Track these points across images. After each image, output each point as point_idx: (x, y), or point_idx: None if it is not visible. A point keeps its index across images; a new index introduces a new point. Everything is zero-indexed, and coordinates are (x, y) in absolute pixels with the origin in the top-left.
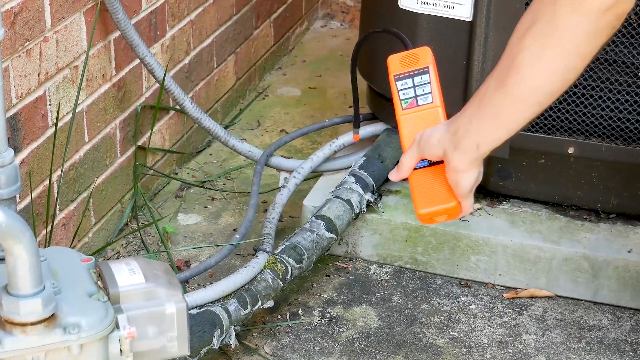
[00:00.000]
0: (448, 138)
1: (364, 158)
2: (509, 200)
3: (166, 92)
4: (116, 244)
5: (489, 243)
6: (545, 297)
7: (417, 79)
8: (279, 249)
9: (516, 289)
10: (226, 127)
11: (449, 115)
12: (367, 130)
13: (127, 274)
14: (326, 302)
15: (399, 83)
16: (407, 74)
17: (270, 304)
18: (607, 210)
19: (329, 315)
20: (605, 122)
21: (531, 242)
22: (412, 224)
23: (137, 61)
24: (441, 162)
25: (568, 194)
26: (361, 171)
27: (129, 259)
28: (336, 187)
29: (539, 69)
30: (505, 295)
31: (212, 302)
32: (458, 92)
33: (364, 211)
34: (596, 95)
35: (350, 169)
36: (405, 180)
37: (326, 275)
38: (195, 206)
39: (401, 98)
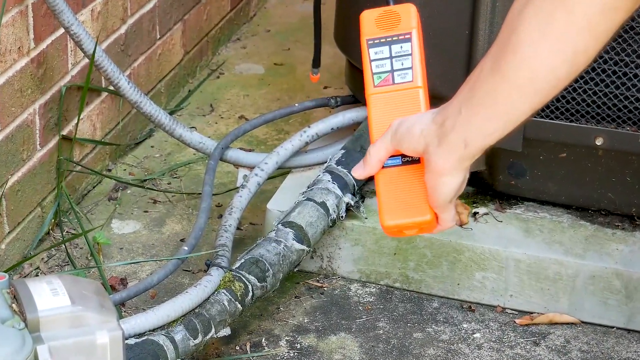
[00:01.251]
0: (433, 130)
1: (343, 151)
2: (522, 204)
3: (97, 69)
4: (35, 257)
5: (498, 256)
6: (567, 323)
7: (395, 48)
8: (237, 264)
9: (531, 313)
10: (171, 113)
11: (442, 102)
12: (346, 116)
13: (49, 295)
14: (296, 330)
15: (372, 51)
16: (383, 40)
17: (226, 332)
18: None
19: (299, 346)
20: None
21: (550, 255)
22: None
23: (62, 31)
24: (418, 161)
25: (596, 195)
26: (339, 167)
27: (51, 276)
28: (308, 187)
29: (542, 48)
30: (518, 321)
31: (154, 330)
32: (459, 69)
33: (342, 217)
34: (630, 73)
35: (325, 165)
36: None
37: (296, 297)
38: (134, 211)
39: (374, 71)
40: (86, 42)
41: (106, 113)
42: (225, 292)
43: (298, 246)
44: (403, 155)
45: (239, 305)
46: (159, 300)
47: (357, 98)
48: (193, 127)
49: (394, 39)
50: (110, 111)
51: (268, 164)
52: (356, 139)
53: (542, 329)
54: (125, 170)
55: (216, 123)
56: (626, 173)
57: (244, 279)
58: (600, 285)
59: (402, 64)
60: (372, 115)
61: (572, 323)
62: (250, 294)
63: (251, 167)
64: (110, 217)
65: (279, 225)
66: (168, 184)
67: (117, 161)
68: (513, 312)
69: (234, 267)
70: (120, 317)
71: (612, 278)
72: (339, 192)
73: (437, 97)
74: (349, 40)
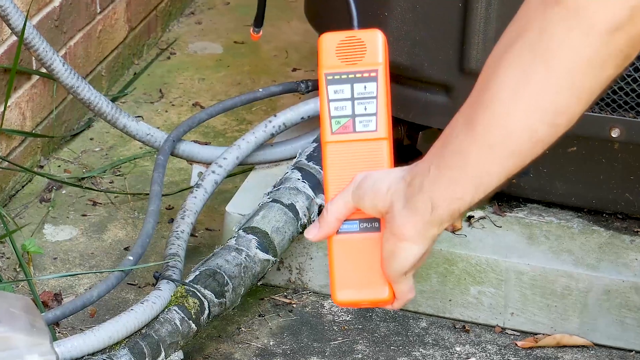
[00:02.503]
0: (401, 188)
1: (315, 145)
2: (525, 206)
3: (27, 48)
4: None
5: (497, 268)
6: (577, 346)
7: (358, 88)
8: (192, 277)
9: (536, 334)
10: (114, 100)
11: (430, 87)
12: (318, 104)
13: None
14: (260, 354)
15: (331, 88)
16: (345, 76)
17: (178, 356)
18: None
19: None
20: None
21: (558, 266)
22: None
23: None
24: (377, 229)
25: (611, 196)
26: (311, 163)
27: None
28: (274, 187)
29: (518, 105)
30: (520, 343)
31: (94, 354)
32: (452, 49)
33: (314, 221)
34: None
35: (295, 160)
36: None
37: (260, 315)
38: (70, 214)
39: (332, 114)
40: (14, 16)
41: (38, 100)
42: (177, 309)
43: (262, 256)
44: (361, 221)
45: (193, 325)
46: (100, 319)
47: None
48: (139, 117)
49: (357, 76)
50: (42, 98)
51: (227, 160)
52: None
53: (548, 353)
54: (59, 166)
55: (166, 111)
56: None
57: (199, 294)
58: (616, 302)
59: (366, 109)
60: (328, 167)
61: (584, 346)
62: (207, 311)
63: (207, 163)
64: (42, 222)
65: (240, 232)
66: (110, 182)
67: (51, 156)
68: (514, 333)
69: (187, 281)
70: (54, 339)
71: (631, 293)
72: (310, 192)
73: (425, 81)
74: (322, 15)
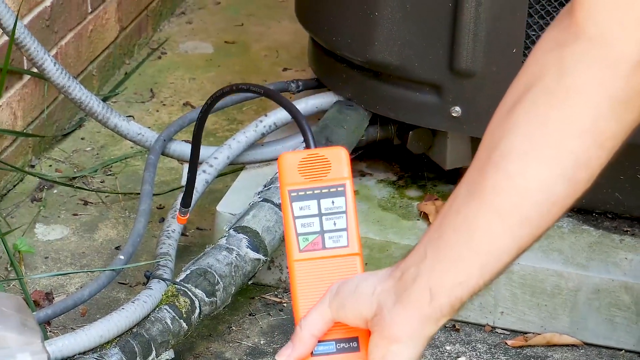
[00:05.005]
0: (390, 286)
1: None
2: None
3: (18, 48)
4: None
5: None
6: (567, 345)
7: (325, 203)
8: (182, 276)
9: (526, 333)
10: (105, 99)
11: (420, 86)
12: (309, 103)
13: None
14: (250, 353)
15: (296, 205)
16: (310, 192)
17: (169, 355)
18: None
19: None
20: None
21: (547, 265)
22: (374, 239)
23: None
24: (356, 348)
25: (601, 196)
26: None
27: None
28: (265, 187)
29: (533, 161)
30: (509, 342)
31: (84, 353)
32: (441, 53)
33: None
34: None
35: None
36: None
37: (250, 314)
38: (61, 213)
39: (299, 231)
40: (5, 16)
41: (29, 99)
42: (168, 308)
43: (253, 255)
44: (337, 341)
45: (184, 324)
46: (91, 318)
47: (321, 82)
48: (130, 116)
49: (323, 191)
50: (33, 97)
51: (218, 159)
52: (321, 130)
53: (538, 352)
54: (51, 166)
55: (157, 111)
56: (637, 170)
57: (189, 293)
58: (606, 301)
59: (335, 224)
60: (297, 286)
61: (574, 345)
62: (197, 310)
63: (199, 163)
64: (33, 221)
65: (231, 231)
66: (101, 182)
67: (42, 156)
68: (504, 332)
69: (178, 280)
70: (46, 337)
71: (620, 292)
72: None
73: (415, 81)
74: (312, 14)
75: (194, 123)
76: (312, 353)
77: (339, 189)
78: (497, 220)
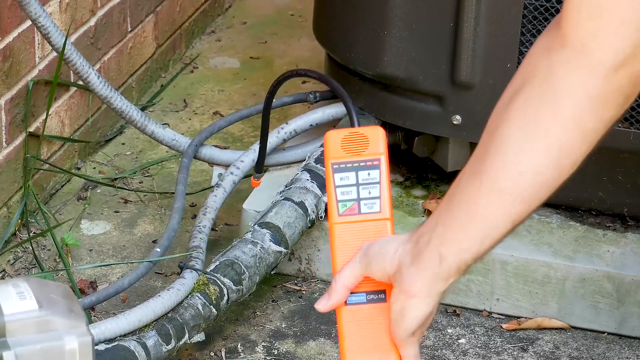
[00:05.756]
0: (409, 249)
1: (322, 149)
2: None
3: (66, 63)
4: (1, 259)
5: (484, 258)
6: (556, 328)
7: (362, 175)
8: (212, 267)
9: (519, 318)
10: (143, 109)
11: (422, 96)
12: (325, 112)
13: (16, 298)
14: (273, 335)
15: (337, 176)
16: (350, 165)
17: (200, 337)
18: (636, 215)
19: (276, 352)
20: (634, 101)
21: (538, 257)
22: None
23: (29, 23)
24: (384, 299)
25: (586, 194)
26: (318, 165)
27: (18, 279)
28: (286, 187)
29: (525, 149)
30: (504, 326)
31: (125, 335)
32: (443, 67)
33: (322, 217)
34: None
35: (304, 163)
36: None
37: (273, 301)
38: (104, 211)
39: (338, 198)
40: (54, 35)
41: (75, 109)
42: (199, 295)
43: (275, 248)
44: (368, 293)
45: (214, 310)
46: (130, 304)
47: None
48: (166, 124)
49: (361, 164)
50: (79, 107)
51: (244, 162)
52: None
53: (529, 334)
54: (95, 168)
55: (190, 119)
56: (617, 171)
57: (218, 282)
58: (590, 289)
59: (370, 193)
60: (336, 245)
61: (561, 328)
62: (226, 297)
63: (226, 166)
64: (79, 218)
65: (256, 226)
66: (140, 182)
67: (87, 159)
68: (500, 316)
69: (208, 270)
70: (90, 321)
71: (603, 281)
72: (318, 191)
73: (420, 92)
74: (328, 32)
75: (223, 129)
76: (345, 302)
77: (375, 162)
78: (494, 199)
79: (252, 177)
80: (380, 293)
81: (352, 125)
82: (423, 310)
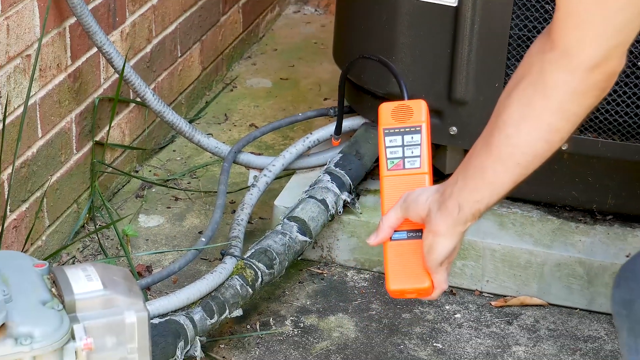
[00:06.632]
0: (436, 198)
1: (341, 155)
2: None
3: (126, 83)
4: (72, 247)
5: (476, 247)
6: (536, 305)
7: (407, 138)
8: (248, 254)
9: (505, 296)
10: (191, 121)
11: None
12: (344, 124)
13: (84, 280)
14: (299, 311)
15: (387, 139)
16: (397, 130)
17: (238, 312)
18: (603, 211)
19: (302, 325)
20: (601, 115)
21: (521, 245)
22: None
23: (95, 50)
24: (420, 236)
25: (561, 193)
26: (337, 169)
27: (86, 264)
28: (310, 186)
29: (523, 127)
30: (493, 303)
31: (175, 311)
32: (441, 86)
33: (340, 212)
34: None
35: (325, 167)
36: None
37: (299, 282)
38: (158, 207)
39: (388, 157)
40: (116, 59)
41: (134, 121)
42: (237, 278)
43: (301, 238)
44: (408, 231)
45: (250, 289)
46: (180, 285)
47: (352, 108)
48: (210, 134)
49: (406, 129)
50: (137, 120)
51: (275, 166)
52: (352, 144)
53: (514, 310)
54: (150, 171)
55: (230, 130)
56: (587, 174)
57: (254, 266)
58: (565, 272)
59: (412, 152)
60: (385, 193)
61: (541, 305)
62: (260, 279)
63: (260, 169)
64: (137, 212)
65: (285, 220)
66: (188, 183)
67: (144, 163)
68: (489, 295)
69: (245, 256)
70: (146, 299)
71: (576, 266)
72: (337, 190)
73: None
74: (346, 58)
75: (258, 139)
76: (390, 238)
77: (417, 128)
78: (499, 164)
79: (332, 139)
80: (418, 231)
81: (402, 98)
82: (447, 246)
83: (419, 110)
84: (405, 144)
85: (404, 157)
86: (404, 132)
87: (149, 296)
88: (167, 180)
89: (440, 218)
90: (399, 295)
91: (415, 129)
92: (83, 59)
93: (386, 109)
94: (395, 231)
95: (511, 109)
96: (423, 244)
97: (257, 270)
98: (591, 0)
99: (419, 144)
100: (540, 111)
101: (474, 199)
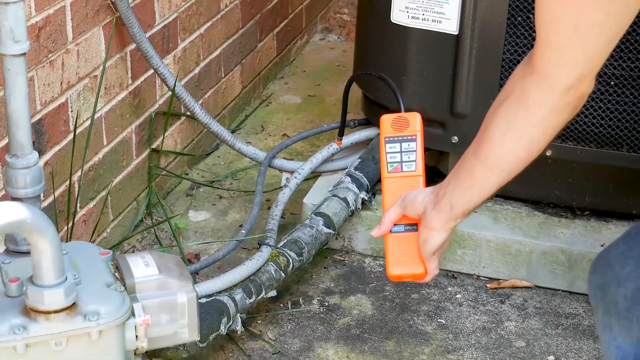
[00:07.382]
0: (432, 198)
1: (359, 160)
2: (491, 199)
3: (178, 99)
4: (132, 238)
5: (474, 238)
6: (525, 287)
7: (404, 145)
8: (281, 243)
9: (498, 279)
10: (233, 132)
11: (431, 123)
12: (362, 134)
13: (142, 266)
14: (324, 292)
15: (388, 145)
16: (396, 138)
17: (273, 293)
18: (582, 207)
19: (327, 304)
20: (580, 127)
21: (512, 237)
22: None
23: (151, 71)
24: (416, 229)
25: (546, 192)
26: (356, 172)
27: (144, 252)
28: (334, 187)
29: (506, 138)
30: (488, 285)
31: (220, 292)
32: (445, 102)
33: (359, 208)
34: None
35: (346, 170)
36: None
37: (324, 267)
38: (205, 204)
39: (388, 161)
40: (169, 79)
41: (184, 132)
42: (272, 264)
43: (326, 230)
44: (405, 225)
45: (283, 274)
46: (224, 270)
47: (370, 121)
48: (249, 142)
49: (404, 138)
50: (187, 130)
51: (304, 169)
52: (369, 151)
53: (506, 291)
54: (198, 174)
55: (265, 139)
56: (568, 176)
57: (286, 254)
58: (549, 259)
59: (409, 158)
60: (385, 192)
61: (529, 287)
62: (291, 265)
63: (291, 172)
64: (187, 209)
65: (312, 215)
66: (230, 184)
67: (193, 167)
68: (485, 279)
69: (279, 246)
70: (195, 282)
71: (558, 254)
72: (356, 190)
73: (429, 120)
74: (365, 79)
75: (289, 146)
76: (390, 231)
77: (413, 137)
78: (487, 169)
79: (336, 139)
80: (413, 225)
81: (400, 111)
82: (440, 239)
83: (414, 121)
84: (403, 150)
85: (402, 162)
86: (402, 140)
87: (197, 279)
88: (213, 181)
89: (435, 215)
90: (397, 279)
91: (411, 137)
92: (141, 79)
93: (387, 120)
94: (394, 225)
95: (497, 123)
96: (419, 237)
97: (288, 257)
98: (566, 33)
99: (415, 150)
100: (522, 124)
101: (465, 199)
